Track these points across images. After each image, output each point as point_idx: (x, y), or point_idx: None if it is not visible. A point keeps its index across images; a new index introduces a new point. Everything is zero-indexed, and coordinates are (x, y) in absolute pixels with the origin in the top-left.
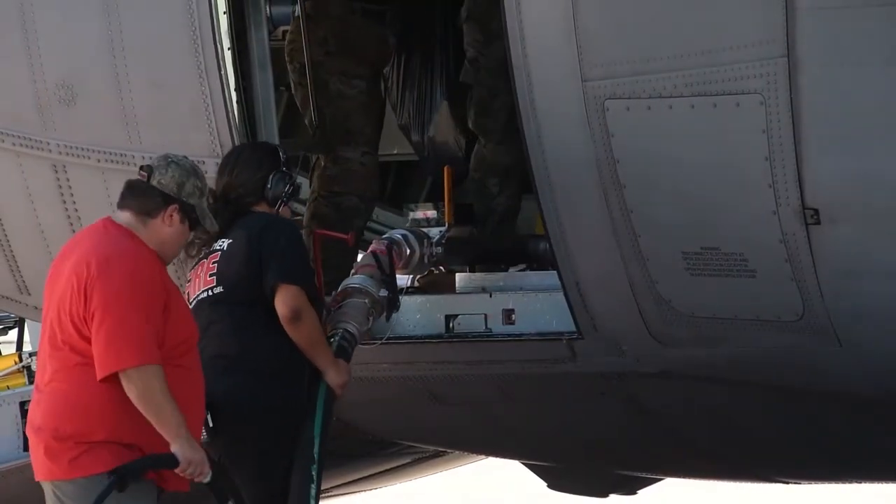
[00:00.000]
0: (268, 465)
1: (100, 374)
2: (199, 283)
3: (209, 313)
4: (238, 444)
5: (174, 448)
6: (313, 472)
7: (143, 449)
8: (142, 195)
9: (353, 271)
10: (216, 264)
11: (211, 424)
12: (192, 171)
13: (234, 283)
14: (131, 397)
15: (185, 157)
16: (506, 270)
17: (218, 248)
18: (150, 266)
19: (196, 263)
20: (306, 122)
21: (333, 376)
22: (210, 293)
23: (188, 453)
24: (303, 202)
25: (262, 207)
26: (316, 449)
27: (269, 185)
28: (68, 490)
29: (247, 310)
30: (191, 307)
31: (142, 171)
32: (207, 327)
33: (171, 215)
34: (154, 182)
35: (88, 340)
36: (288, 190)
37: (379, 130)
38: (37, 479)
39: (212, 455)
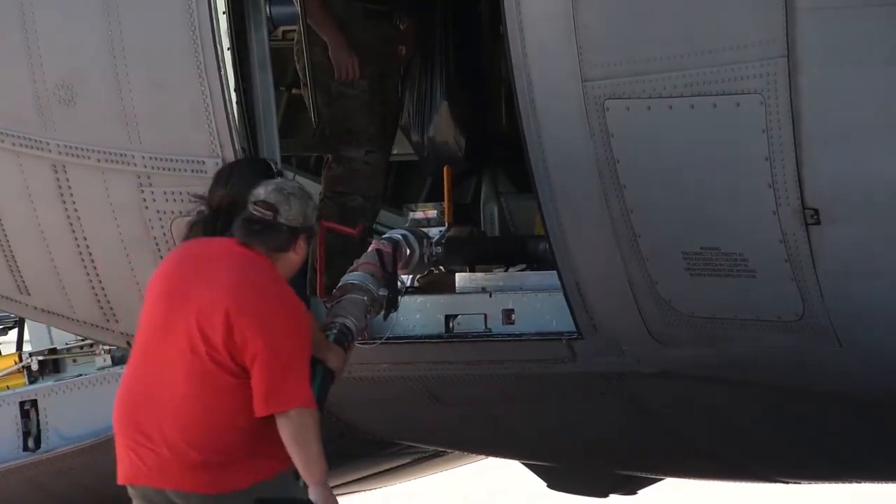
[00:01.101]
0: None
1: (267, 411)
2: None
3: None
4: None
5: (315, 492)
6: None
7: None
8: (271, 234)
9: (352, 267)
10: None
11: None
12: (307, 195)
13: None
14: (285, 434)
15: (292, 181)
16: (506, 270)
17: None
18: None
19: None
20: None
21: (333, 361)
22: None
23: (328, 500)
24: None
25: None
26: None
27: None
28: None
29: None
30: None
31: (262, 210)
32: None
33: (300, 244)
34: (281, 219)
35: (240, 366)
36: None
37: (386, 129)
38: (149, 485)
39: None
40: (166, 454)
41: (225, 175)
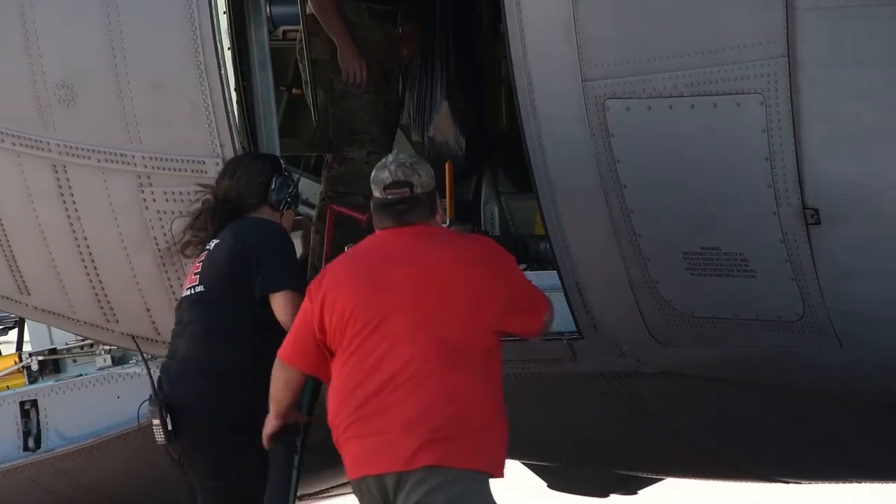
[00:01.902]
0: (223, 469)
1: (542, 320)
2: (187, 280)
3: (189, 312)
4: (196, 446)
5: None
6: (295, 462)
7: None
8: (420, 206)
9: None
10: (202, 263)
11: (170, 427)
12: (421, 156)
13: (213, 283)
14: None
15: (406, 153)
16: None
17: (209, 246)
18: None
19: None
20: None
21: None
22: (192, 291)
23: None
24: (308, 204)
25: (264, 210)
26: (299, 439)
27: (272, 188)
28: (476, 478)
29: (223, 312)
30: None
31: (398, 190)
32: (185, 326)
33: (437, 203)
34: (418, 191)
35: (491, 336)
36: (291, 191)
37: (388, 129)
38: (382, 472)
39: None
40: (400, 436)
41: (233, 167)
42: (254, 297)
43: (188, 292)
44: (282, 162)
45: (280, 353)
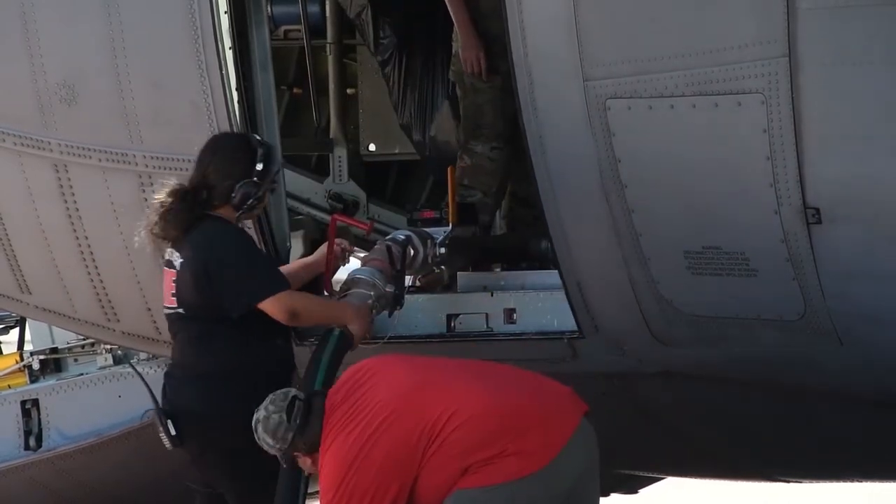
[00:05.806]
0: (236, 471)
1: None
2: (166, 295)
3: (175, 325)
4: (204, 450)
5: None
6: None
7: None
8: None
9: (361, 263)
10: (175, 284)
11: (173, 433)
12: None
13: (192, 308)
14: None
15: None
16: (508, 269)
17: (176, 263)
18: None
19: (163, 262)
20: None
21: (356, 327)
22: (174, 310)
23: None
24: (310, 204)
25: (226, 209)
26: None
27: (234, 195)
28: None
29: (205, 324)
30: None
31: None
32: (175, 336)
33: None
34: None
35: None
36: (251, 203)
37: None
38: None
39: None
40: None
41: (208, 159)
42: (233, 310)
43: (170, 310)
44: (259, 151)
45: None
